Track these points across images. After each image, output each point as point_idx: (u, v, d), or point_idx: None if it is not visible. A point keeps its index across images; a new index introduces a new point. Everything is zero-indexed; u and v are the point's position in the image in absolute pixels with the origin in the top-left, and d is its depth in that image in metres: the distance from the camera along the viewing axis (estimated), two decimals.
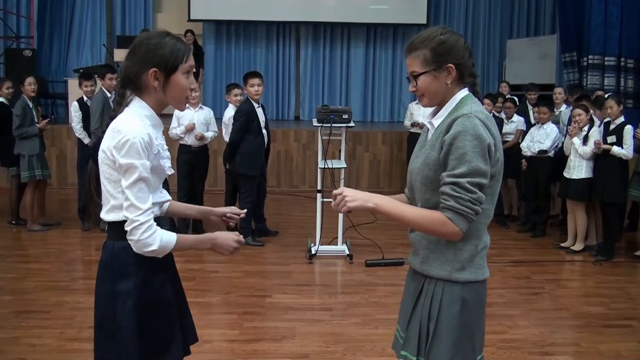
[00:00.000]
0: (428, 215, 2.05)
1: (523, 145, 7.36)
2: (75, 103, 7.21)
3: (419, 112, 8.80)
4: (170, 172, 2.33)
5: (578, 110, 6.50)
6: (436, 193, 2.07)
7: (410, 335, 2.19)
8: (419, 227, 2.10)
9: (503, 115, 8.22)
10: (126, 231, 2.10)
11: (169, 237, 2.15)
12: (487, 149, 2.01)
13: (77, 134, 7.16)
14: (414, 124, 8.73)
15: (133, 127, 2.10)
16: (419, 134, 8.44)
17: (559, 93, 8.37)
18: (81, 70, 10.55)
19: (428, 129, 2.23)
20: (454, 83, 2.14)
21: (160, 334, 2.25)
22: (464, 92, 2.17)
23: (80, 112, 7.11)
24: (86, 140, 7.09)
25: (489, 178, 2.03)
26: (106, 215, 2.20)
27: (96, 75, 7.37)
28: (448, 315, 2.10)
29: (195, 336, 2.49)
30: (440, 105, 2.19)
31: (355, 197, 2.07)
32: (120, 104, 2.23)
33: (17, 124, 6.85)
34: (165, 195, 2.37)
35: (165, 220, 2.42)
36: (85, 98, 7.18)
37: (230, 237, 2.32)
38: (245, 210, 2.60)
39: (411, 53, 2.16)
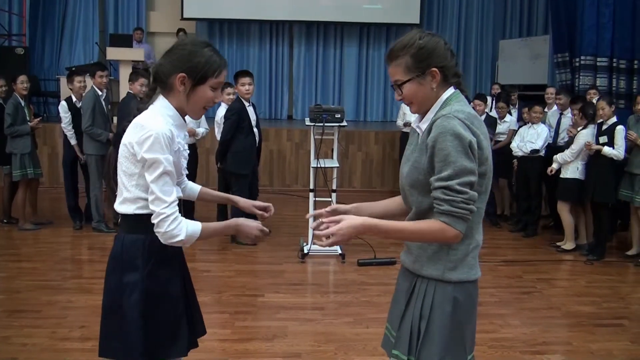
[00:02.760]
0: (425, 227, 2.03)
1: (513, 145, 7.38)
2: (64, 103, 7.09)
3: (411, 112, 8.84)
4: (186, 172, 2.41)
5: (577, 112, 6.54)
6: (427, 195, 2.06)
7: (402, 334, 2.19)
8: (420, 240, 2.11)
9: (496, 115, 8.25)
10: (138, 224, 2.21)
11: (195, 227, 2.22)
12: (469, 146, 1.99)
13: (67, 134, 7.08)
14: (406, 124, 8.76)
15: (156, 123, 2.17)
16: None
17: (550, 93, 8.40)
18: (73, 69, 10.55)
19: (418, 133, 2.21)
20: (439, 86, 2.12)
21: (166, 326, 2.30)
22: (449, 91, 2.14)
23: (69, 113, 7.01)
24: (73, 142, 7.04)
25: (476, 175, 2.01)
26: (119, 207, 2.28)
27: (87, 74, 7.34)
28: (440, 315, 2.10)
29: (203, 329, 2.57)
30: (427, 110, 2.17)
31: (341, 241, 2.03)
32: (150, 96, 2.30)
33: (8, 123, 6.81)
34: (179, 192, 2.38)
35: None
36: (74, 99, 7.09)
37: (253, 226, 2.37)
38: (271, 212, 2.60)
39: (392, 61, 2.13)
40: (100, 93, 6.98)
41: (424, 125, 2.13)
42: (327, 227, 2.03)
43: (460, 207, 1.98)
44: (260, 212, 2.59)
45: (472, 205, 2.01)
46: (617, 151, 6.20)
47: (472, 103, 8.43)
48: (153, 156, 2.13)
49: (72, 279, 5.47)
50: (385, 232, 2.05)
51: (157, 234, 2.18)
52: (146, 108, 2.27)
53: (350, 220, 2.02)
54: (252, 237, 2.40)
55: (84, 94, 7.02)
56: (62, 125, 7.09)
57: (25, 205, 7.15)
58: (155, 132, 2.13)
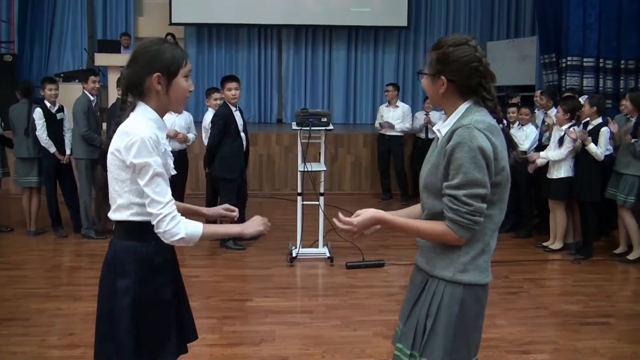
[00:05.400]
0: (429, 227, 2.17)
1: None
2: (39, 110, 6.91)
3: (388, 115, 8.96)
4: (174, 172, 2.44)
5: (561, 110, 6.57)
6: (439, 199, 2.14)
7: (408, 329, 2.26)
8: (425, 238, 2.23)
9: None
10: (131, 231, 2.27)
11: (195, 226, 2.26)
12: (485, 157, 2.05)
13: (42, 143, 6.89)
14: (382, 125, 8.87)
15: (140, 128, 2.22)
16: (388, 135, 8.51)
17: (539, 95, 8.46)
18: (62, 75, 10.55)
19: (437, 137, 2.27)
20: (455, 96, 2.18)
21: (156, 332, 2.35)
22: (470, 101, 2.19)
23: (44, 120, 6.86)
24: (52, 149, 6.92)
25: (487, 187, 2.08)
26: (112, 214, 2.33)
27: (77, 80, 7.33)
28: (446, 315, 2.16)
29: (195, 334, 2.61)
30: (447, 112, 2.24)
31: (359, 229, 2.22)
32: (124, 109, 2.33)
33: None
34: None
35: None
36: (48, 104, 6.96)
37: (257, 221, 2.47)
38: (237, 212, 2.67)
39: (431, 50, 2.23)
40: (92, 98, 6.97)
41: (444, 130, 2.19)
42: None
43: (464, 218, 2.07)
44: (227, 213, 2.65)
45: (478, 216, 2.08)
46: (599, 152, 6.24)
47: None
48: (142, 160, 2.18)
49: (61, 286, 5.47)
50: (394, 225, 2.22)
51: (158, 235, 2.22)
52: (126, 117, 2.30)
53: (366, 212, 2.21)
54: (260, 230, 2.46)
55: (76, 99, 6.98)
56: (37, 133, 6.86)
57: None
58: (141, 137, 2.18)
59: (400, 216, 2.37)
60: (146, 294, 2.30)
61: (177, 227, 2.21)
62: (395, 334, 2.41)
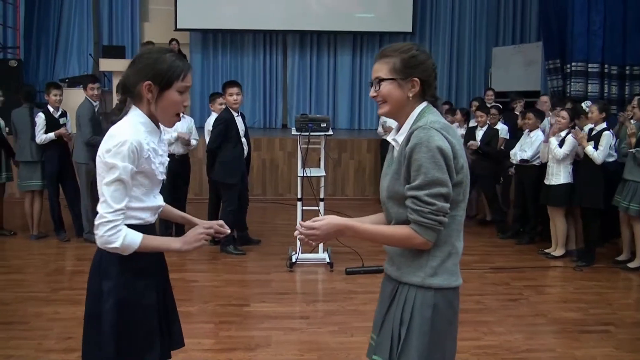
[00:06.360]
0: (394, 232, 2.14)
1: (512, 152, 7.35)
2: (41, 115, 6.94)
3: (390, 121, 8.90)
4: (162, 177, 2.42)
5: (563, 113, 6.55)
6: (405, 206, 2.12)
7: (383, 339, 2.23)
8: (390, 244, 2.21)
9: (474, 123, 8.25)
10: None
11: (132, 238, 2.23)
12: (444, 156, 2.05)
13: (41, 143, 6.92)
14: (386, 129, 8.87)
15: (125, 132, 2.23)
16: None
17: (544, 102, 8.45)
18: (66, 80, 10.61)
19: (393, 147, 2.26)
20: (415, 98, 2.19)
21: (139, 335, 2.33)
22: (422, 105, 2.21)
23: (44, 126, 6.88)
24: (52, 135, 6.90)
25: (449, 186, 2.07)
26: None
27: (80, 85, 7.38)
28: (419, 320, 2.14)
29: (181, 341, 2.61)
30: (400, 121, 2.24)
31: (323, 236, 2.17)
32: (121, 110, 2.36)
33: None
34: (159, 201, 2.45)
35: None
36: (51, 109, 7.01)
37: (197, 230, 2.38)
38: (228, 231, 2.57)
39: (381, 59, 2.21)
40: (95, 103, 7.01)
41: (400, 138, 2.19)
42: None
43: (427, 218, 2.05)
44: (220, 229, 2.53)
45: (442, 216, 2.07)
46: (596, 154, 6.21)
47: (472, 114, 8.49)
48: (112, 161, 2.19)
49: (60, 290, 5.48)
50: (360, 233, 2.18)
51: (95, 236, 2.22)
52: (120, 119, 2.32)
53: (330, 219, 2.17)
54: (200, 239, 2.37)
55: (79, 105, 7.02)
56: (37, 134, 6.88)
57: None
58: (122, 141, 2.20)
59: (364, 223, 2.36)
60: (129, 297, 2.30)
61: (115, 236, 2.19)
62: (370, 346, 2.36)
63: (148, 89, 2.27)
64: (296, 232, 2.20)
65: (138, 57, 2.34)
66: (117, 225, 2.20)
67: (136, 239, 2.24)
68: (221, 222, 2.52)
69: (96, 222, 2.20)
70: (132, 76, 2.31)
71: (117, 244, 2.20)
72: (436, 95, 2.25)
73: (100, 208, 2.20)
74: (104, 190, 2.20)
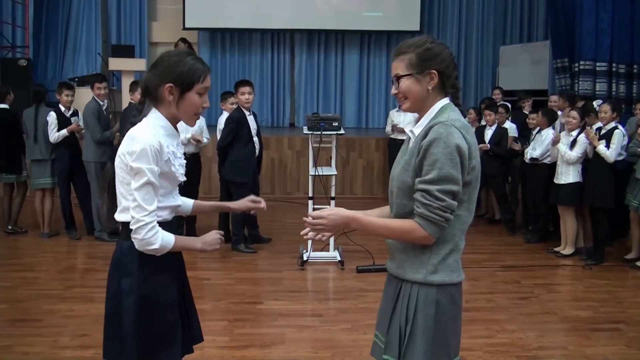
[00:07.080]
0: (398, 225, 2.16)
1: (526, 150, 7.35)
2: (53, 114, 7.03)
3: (399, 119, 8.95)
4: (183, 179, 2.49)
5: (574, 113, 6.56)
6: (412, 199, 2.14)
7: (392, 339, 2.24)
8: (393, 237, 2.22)
9: (483, 122, 8.26)
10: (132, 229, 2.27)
11: (169, 238, 2.32)
12: (461, 155, 2.07)
13: (54, 141, 6.99)
14: (394, 128, 8.88)
15: (146, 135, 2.28)
16: (400, 140, 8.47)
17: (554, 101, 8.44)
18: (76, 79, 10.65)
19: (410, 138, 2.29)
20: (435, 91, 2.21)
21: (161, 332, 2.38)
22: (445, 101, 2.23)
23: (55, 125, 6.95)
24: (65, 132, 6.97)
25: (460, 185, 2.09)
26: (118, 215, 2.38)
27: (88, 84, 7.42)
28: (423, 317, 2.16)
29: (200, 336, 2.67)
30: (421, 114, 2.26)
31: (332, 227, 2.18)
32: (141, 111, 2.40)
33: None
34: (177, 200, 2.51)
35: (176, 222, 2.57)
36: (63, 108, 7.08)
37: (213, 233, 2.48)
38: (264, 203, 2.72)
39: (398, 56, 2.24)
40: (101, 103, 7.05)
41: (418, 130, 2.21)
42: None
43: (435, 213, 2.07)
44: (254, 205, 2.70)
45: (449, 213, 2.09)
46: (608, 152, 6.22)
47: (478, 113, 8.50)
48: (138, 166, 2.24)
49: (73, 288, 5.53)
50: (366, 225, 2.19)
51: (133, 240, 2.27)
52: (140, 121, 2.37)
53: (338, 210, 2.18)
54: (216, 242, 2.46)
55: (86, 105, 7.06)
56: (50, 133, 6.96)
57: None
58: (144, 144, 2.24)
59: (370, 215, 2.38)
60: (151, 294, 2.34)
61: (155, 237, 2.27)
62: (374, 345, 2.38)
63: (169, 91, 2.32)
64: (303, 232, 2.24)
65: (159, 60, 2.39)
66: (154, 226, 2.27)
67: (171, 239, 2.32)
68: (252, 197, 2.69)
69: (133, 226, 2.25)
70: (154, 78, 2.35)
71: (156, 245, 2.27)
72: (457, 85, 2.26)
73: (134, 212, 2.25)
74: (135, 194, 2.25)
